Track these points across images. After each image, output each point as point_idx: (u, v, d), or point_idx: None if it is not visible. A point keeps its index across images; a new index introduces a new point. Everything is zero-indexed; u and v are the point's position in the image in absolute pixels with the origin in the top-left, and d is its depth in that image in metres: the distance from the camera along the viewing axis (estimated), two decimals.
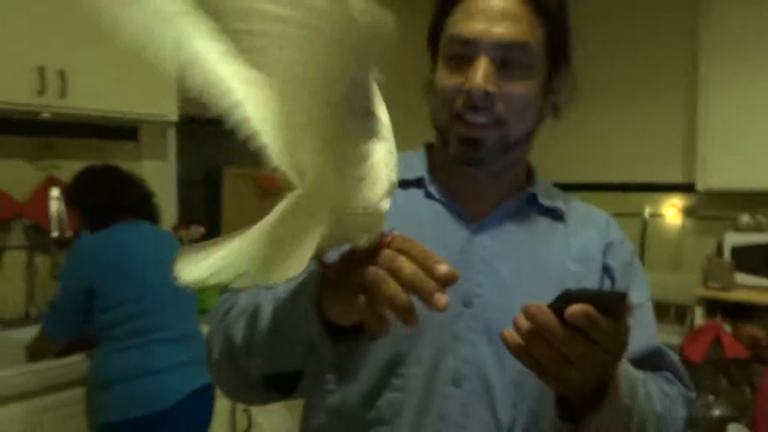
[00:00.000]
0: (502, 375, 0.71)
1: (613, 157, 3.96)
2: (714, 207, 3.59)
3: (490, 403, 0.72)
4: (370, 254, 0.50)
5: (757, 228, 3.18)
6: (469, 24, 0.72)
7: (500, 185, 0.81)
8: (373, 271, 0.48)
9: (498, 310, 0.73)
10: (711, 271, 3.17)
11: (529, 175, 0.86)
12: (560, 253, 0.79)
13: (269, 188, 3.02)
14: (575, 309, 0.50)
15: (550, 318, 0.51)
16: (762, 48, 3.15)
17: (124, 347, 1.70)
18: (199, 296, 1.99)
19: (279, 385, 0.68)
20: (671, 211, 3.78)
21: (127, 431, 1.66)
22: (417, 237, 0.72)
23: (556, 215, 0.82)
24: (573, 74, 0.81)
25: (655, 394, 0.71)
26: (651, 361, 0.76)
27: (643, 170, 3.87)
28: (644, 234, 3.82)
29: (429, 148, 0.87)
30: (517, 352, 0.55)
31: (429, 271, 0.47)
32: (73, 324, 1.73)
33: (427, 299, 0.46)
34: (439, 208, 0.80)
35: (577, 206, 0.86)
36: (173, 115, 2.34)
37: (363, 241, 0.50)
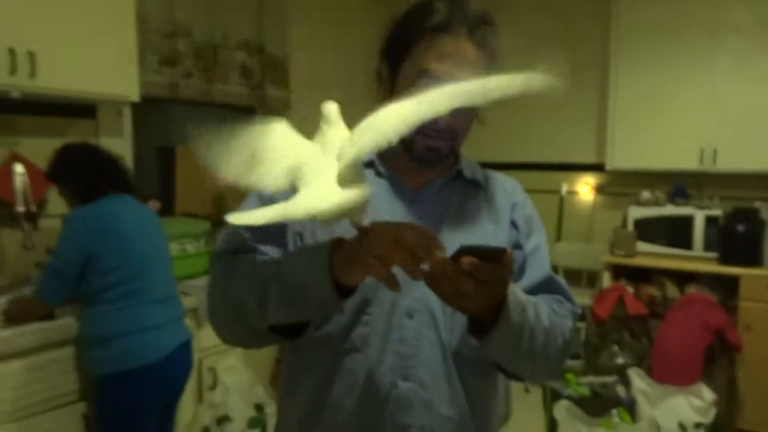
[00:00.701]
0: (443, 307, 0.96)
1: (534, 140, 4.36)
2: (620, 185, 4.05)
3: (435, 327, 0.97)
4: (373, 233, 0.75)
5: (656, 203, 3.64)
6: (440, 64, 0.91)
7: (437, 168, 1.05)
8: (388, 244, 0.73)
9: None
10: (617, 240, 3.61)
11: (456, 156, 1.10)
12: (481, 215, 1.04)
13: None
14: (464, 259, 0.73)
15: (449, 265, 0.74)
16: (666, 42, 3.58)
17: (119, 307, 1.87)
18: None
19: (283, 331, 0.90)
20: (585, 188, 4.22)
21: (124, 380, 1.85)
22: (374, 204, 0.97)
23: (477, 185, 1.06)
24: None
25: (544, 312, 0.93)
26: (545, 286, 1.03)
27: (561, 151, 4.29)
28: (561, 209, 4.25)
29: None
30: (431, 287, 0.76)
31: (428, 238, 0.73)
32: (69, 289, 1.88)
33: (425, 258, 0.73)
34: (387, 183, 1.01)
35: (492, 176, 1.12)
36: (133, 95, 2.46)
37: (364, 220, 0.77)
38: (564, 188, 4.24)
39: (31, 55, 2.06)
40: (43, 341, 1.91)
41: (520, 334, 0.87)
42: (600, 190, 4.18)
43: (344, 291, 0.81)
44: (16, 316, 1.91)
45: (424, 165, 1.00)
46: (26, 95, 2.14)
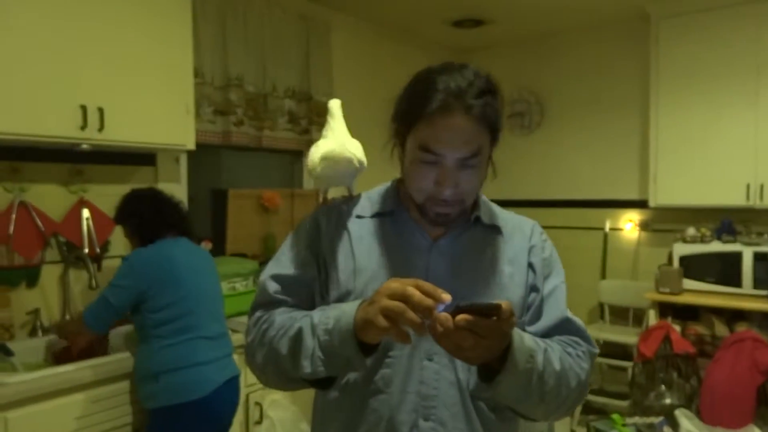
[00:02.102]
0: None
1: (577, 177, 4.38)
2: (665, 221, 4.01)
3: (454, 369, 1.01)
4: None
5: (702, 239, 3.59)
6: (440, 144, 0.96)
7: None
8: (395, 305, 0.81)
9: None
10: (662, 277, 3.56)
11: (475, 201, 1.16)
12: (498, 257, 1.10)
13: (271, 206, 3.34)
14: (459, 318, 0.78)
15: (449, 323, 0.80)
16: (706, 80, 3.59)
17: (171, 343, 2.01)
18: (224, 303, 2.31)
19: (316, 382, 0.99)
20: (629, 225, 4.19)
21: (175, 414, 1.97)
22: (394, 252, 1.07)
23: (495, 229, 1.11)
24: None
25: (556, 355, 0.97)
26: (561, 328, 1.07)
27: (604, 188, 4.29)
28: (605, 246, 4.23)
29: (399, 180, 1.14)
30: (437, 341, 0.82)
31: (431, 296, 0.81)
32: (110, 320, 2.04)
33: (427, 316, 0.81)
34: (407, 232, 1.08)
35: (511, 219, 1.17)
36: (190, 144, 2.64)
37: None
38: (608, 225, 4.23)
39: (101, 111, 2.26)
40: (101, 375, 2.05)
41: (528, 379, 0.92)
42: (644, 226, 4.15)
43: (368, 348, 0.91)
44: (64, 331, 2.09)
45: (437, 225, 1.07)
46: (95, 147, 2.34)
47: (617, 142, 4.22)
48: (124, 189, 2.32)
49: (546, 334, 1.06)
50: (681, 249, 3.61)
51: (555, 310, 1.09)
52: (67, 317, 2.47)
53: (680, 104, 3.69)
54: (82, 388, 2.01)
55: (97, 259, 2.56)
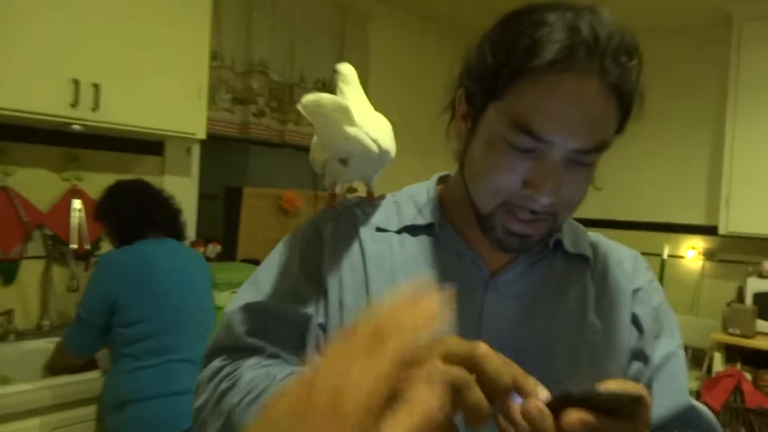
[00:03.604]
0: None
1: (636, 196, 3.93)
2: (735, 251, 3.53)
3: None
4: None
5: None
6: (550, 122, 0.60)
7: None
8: (456, 373, 0.43)
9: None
10: (731, 316, 3.11)
11: None
12: (587, 306, 0.72)
13: (290, 208, 3.01)
14: (572, 417, 0.44)
15: (549, 424, 0.43)
16: None
17: (141, 366, 1.66)
18: (218, 318, 1.95)
19: None
20: (691, 252, 3.73)
21: None
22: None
23: (582, 260, 0.75)
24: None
25: None
26: (682, 420, 0.71)
27: (665, 210, 3.83)
28: (662, 274, 3.76)
29: (441, 180, 0.81)
30: None
31: (516, 379, 0.44)
32: (93, 338, 1.70)
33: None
34: (453, 257, 0.73)
35: (604, 248, 0.79)
36: (201, 133, 2.33)
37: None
38: (666, 251, 3.77)
39: (96, 88, 1.97)
40: (63, 398, 1.71)
41: None
42: (710, 255, 3.67)
43: None
44: (50, 367, 1.75)
45: (504, 251, 0.70)
46: (88, 128, 2.04)
47: (684, 159, 3.76)
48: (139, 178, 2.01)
49: (660, 428, 0.69)
50: (756, 285, 3.14)
51: (673, 392, 0.71)
52: (46, 324, 2.16)
53: (761, 119, 3.23)
54: (41, 412, 1.67)
55: (85, 256, 2.26)
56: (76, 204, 2.25)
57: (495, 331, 0.69)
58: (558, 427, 0.44)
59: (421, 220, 0.75)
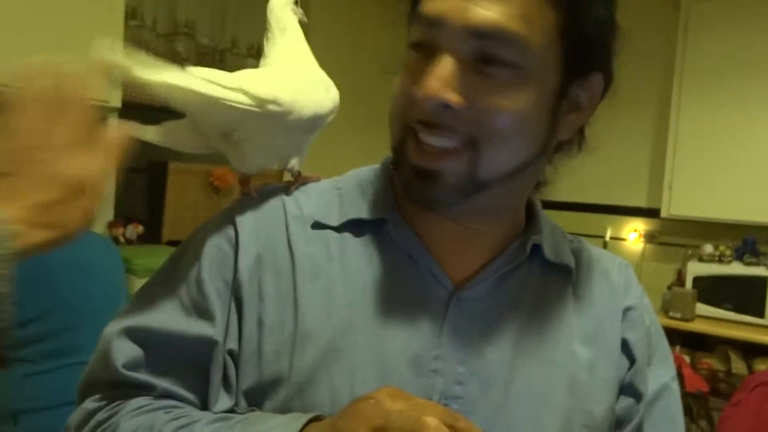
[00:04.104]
0: None
1: (577, 178, 3.88)
2: (676, 234, 3.55)
3: None
4: None
5: (721, 259, 3.15)
6: (437, 2, 0.50)
7: (494, 232, 0.60)
8: None
9: (487, 417, 0.53)
10: (672, 300, 3.12)
11: (529, 212, 0.65)
12: (567, 330, 0.59)
13: (221, 185, 2.78)
14: None
15: None
16: (737, 76, 3.12)
17: (36, 371, 1.43)
18: None
19: None
20: (632, 235, 3.73)
21: None
22: (377, 306, 0.53)
23: (563, 273, 0.62)
24: (611, 78, 0.61)
25: None
26: None
27: (607, 192, 3.82)
28: None
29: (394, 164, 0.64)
30: None
31: None
32: None
33: None
34: (407, 266, 0.58)
35: (588, 256, 0.66)
36: (115, 101, 2.08)
37: None
38: (609, 233, 3.76)
39: None
40: None
41: None
42: (650, 238, 3.68)
43: None
44: None
45: (423, 207, 0.56)
46: None
47: (627, 142, 3.73)
48: None
49: None
50: (696, 268, 3.16)
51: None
52: None
53: (706, 103, 3.22)
54: None
55: None
56: None
57: (456, 362, 0.54)
58: None
59: (367, 214, 0.59)
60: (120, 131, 0.48)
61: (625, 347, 0.60)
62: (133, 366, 0.55)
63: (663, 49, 3.48)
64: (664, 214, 3.35)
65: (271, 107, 0.54)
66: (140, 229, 2.47)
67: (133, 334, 0.56)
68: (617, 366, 0.59)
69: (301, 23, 0.69)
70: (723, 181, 3.15)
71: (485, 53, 0.50)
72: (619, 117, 3.73)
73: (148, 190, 2.73)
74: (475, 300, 0.57)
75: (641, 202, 3.68)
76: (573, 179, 3.26)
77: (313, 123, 0.59)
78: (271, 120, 0.55)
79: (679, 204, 3.29)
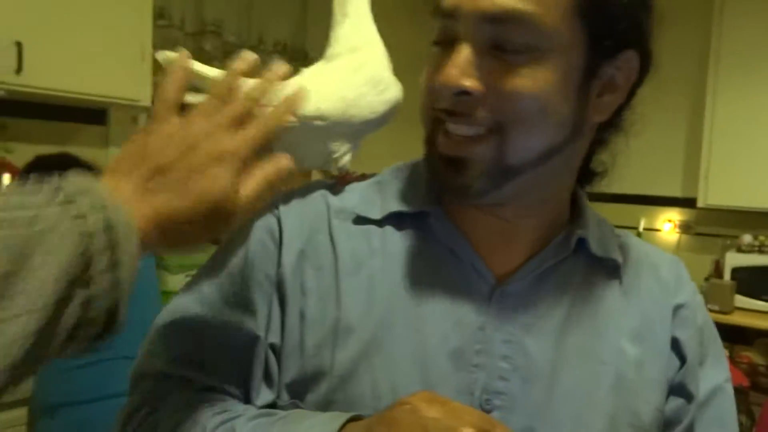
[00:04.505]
0: None
1: (610, 167, 3.83)
2: (714, 224, 3.46)
3: None
4: None
5: (761, 249, 3.06)
6: None
7: (534, 224, 0.58)
8: None
9: (529, 414, 0.53)
10: (709, 292, 3.03)
11: (575, 206, 0.63)
12: (614, 326, 0.58)
13: None
14: None
15: None
16: None
17: (76, 365, 1.47)
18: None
19: None
20: (667, 225, 3.65)
21: None
22: (419, 300, 0.53)
23: (610, 269, 0.60)
24: (649, 56, 0.58)
25: None
26: None
27: (641, 182, 3.73)
28: None
29: None
30: None
31: None
32: None
33: None
34: (449, 260, 0.57)
35: (636, 251, 0.64)
36: (146, 100, 2.12)
37: None
38: (642, 224, 3.69)
39: (19, 47, 1.74)
40: None
41: None
42: (686, 228, 3.60)
43: None
44: None
45: (455, 197, 0.56)
46: (12, 94, 1.81)
47: (661, 130, 3.63)
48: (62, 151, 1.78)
49: None
50: (734, 259, 3.07)
51: None
52: None
53: (743, 89, 3.12)
54: None
55: None
56: (5, 179, 2.01)
57: (498, 357, 0.54)
58: None
59: (408, 207, 0.58)
60: (279, 163, 0.47)
61: (676, 346, 0.59)
62: (178, 359, 0.56)
63: (698, 36, 3.38)
64: (700, 203, 3.27)
65: (317, 123, 0.54)
66: None
67: (180, 327, 0.57)
68: (667, 365, 0.57)
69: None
70: (762, 168, 3.05)
71: (501, 38, 0.50)
72: (653, 105, 3.61)
73: None
74: (517, 295, 0.56)
75: (676, 192, 3.59)
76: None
77: (365, 129, 0.59)
78: (316, 131, 0.55)
79: (716, 193, 3.20)
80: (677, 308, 0.59)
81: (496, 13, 0.49)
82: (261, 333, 0.55)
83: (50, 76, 1.82)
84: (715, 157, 3.20)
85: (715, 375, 0.59)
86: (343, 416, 0.46)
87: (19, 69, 1.74)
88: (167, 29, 2.38)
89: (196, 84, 0.53)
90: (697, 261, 3.50)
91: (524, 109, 0.50)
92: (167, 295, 1.78)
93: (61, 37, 1.84)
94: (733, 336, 3.02)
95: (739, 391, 2.69)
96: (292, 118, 0.50)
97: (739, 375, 2.75)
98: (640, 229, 3.69)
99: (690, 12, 3.47)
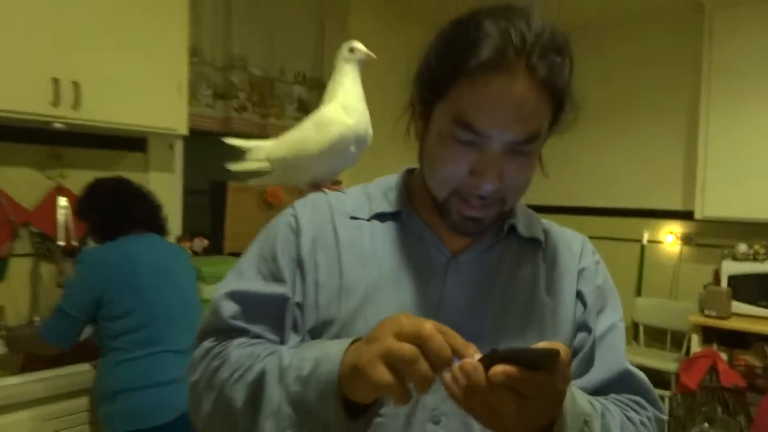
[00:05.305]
0: None
1: (613, 183, 3.99)
2: (712, 235, 3.61)
3: None
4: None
5: (755, 257, 3.21)
6: (486, 117, 0.66)
7: None
8: (405, 350, 0.55)
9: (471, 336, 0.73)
10: (708, 299, 3.18)
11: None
12: (536, 283, 0.79)
13: (274, 201, 3.05)
14: (496, 369, 0.53)
15: (481, 377, 0.53)
16: (764, 78, 3.19)
17: (130, 357, 1.71)
18: (203, 309, 2.00)
19: None
20: (669, 237, 3.81)
21: None
22: (397, 269, 0.74)
23: (534, 245, 0.82)
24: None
25: (616, 422, 0.72)
26: (619, 383, 0.78)
27: (643, 196, 3.90)
28: (642, 260, 3.85)
29: (409, 172, 0.88)
30: (458, 402, 0.56)
31: (456, 348, 0.56)
32: (73, 332, 1.75)
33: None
34: (417, 243, 0.80)
35: (554, 231, 0.86)
36: (183, 129, 2.37)
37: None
38: (645, 237, 3.85)
39: (76, 86, 2.00)
40: (54, 390, 1.77)
41: None
42: (687, 240, 3.75)
43: (355, 408, 0.62)
44: (19, 347, 1.81)
45: (461, 233, 0.77)
46: (70, 126, 2.07)
47: (660, 146, 3.83)
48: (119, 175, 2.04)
49: (599, 390, 0.77)
50: (730, 267, 3.23)
51: (612, 359, 0.79)
52: (36, 320, 2.20)
53: (735, 105, 3.30)
54: (31, 404, 1.72)
55: (72, 253, 2.29)
56: (62, 202, 2.28)
57: (455, 306, 0.76)
58: (492, 382, 0.53)
59: (389, 208, 0.82)
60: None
61: (580, 296, 0.80)
62: (234, 317, 0.78)
63: (690, 54, 3.57)
64: (698, 215, 3.43)
65: (284, 163, 0.94)
66: (205, 242, 2.76)
67: (233, 296, 0.79)
68: (573, 309, 0.80)
69: (363, 61, 1.08)
70: (754, 181, 3.22)
71: (519, 146, 0.69)
72: (651, 122, 3.84)
73: (211, 207, 3.03)
74: (467, 263, 0.79)
75: (677, 205, 3.75)
76: (608, 185, 3.51)
77: (322, 158, 0.90)
78: (291, 167, 0.87)
79: (712, 205, 3.37)
80: (581, 270, 0.82)
81: (523, 137, 0.68)
82: (290, 295, 0.78)
83: (101, 109, 2.07)
84: (710, 172, 3.37)
85: (611, 317, 0.81)
86: (350, 339, 0.68)
87: (76, 105, 2.00)
88: (199, 65, 2.64)
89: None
90: (699, 271, 3.65)
91: (523, 188, 0.74)
92: (205, 303, 2.01)
93: (110, 76, 2.09)
94: (730, 340, 3.16)
95: (736, 392, 2.83)
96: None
97: (736, 376, 2.89)
98: (644, 241, 3.85)
99: (681, 34, 3.68)
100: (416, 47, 0.75)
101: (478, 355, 0.54)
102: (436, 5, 3.67)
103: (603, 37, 3.97)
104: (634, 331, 3.80)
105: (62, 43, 1.97)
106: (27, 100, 1.90)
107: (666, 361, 3.37)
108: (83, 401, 1.84)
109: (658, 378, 3.47)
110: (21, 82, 1.88)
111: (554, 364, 0.54)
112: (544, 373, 0.54)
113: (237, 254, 2.91)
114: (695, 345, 3.21)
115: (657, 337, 3.76)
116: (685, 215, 3.65)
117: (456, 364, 0.54)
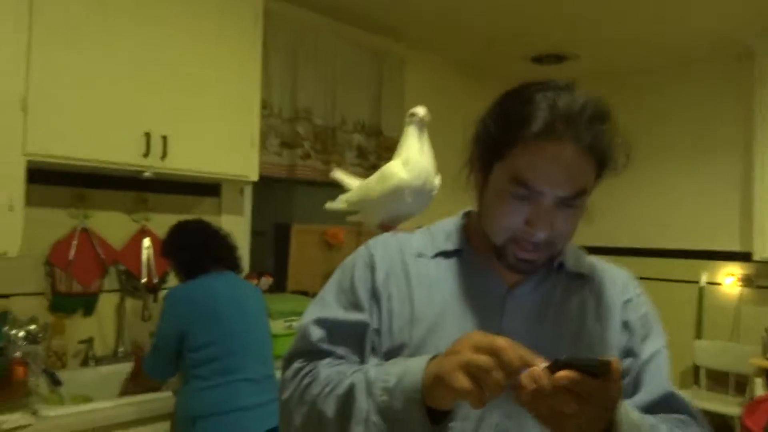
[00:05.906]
0: (540, 428, 0.77)
1: (669, 225, 3.99)
2: None
3: None
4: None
5: None
6: (540, 178, 0.78)
7: None
8: (482, 360, 0.65)
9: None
10: None
11: None
12: (585, 313, 0.90)
13: (334, 242, 3.22)
14: (560, 374, 0.62)
15: (546, 381, 0.63)
16: None
17: (210, 385, 1.87)
18: (273, 343, 2.15)
19: None
20: (729, 279, 3.76)
21: None
22: (460, 300, 0.89)
23: (581, 279, 0.93)
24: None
25: None
26: (665, 405, 0.86)
27: (700, 238, 3.88)
28: (701, 301, 3.80)
29: (467, 215, 0.99)
30: (526, 405, 0.65)
31: (524, 358, 0.65)
32: (168, 364, 1.93)
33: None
34: (477, 275, 0.91)
35: (600, 267, 0.96)
36: (253, 176, 2.58)
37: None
38: (704, 278, 3.81)
39: (164, 139, 2.23)
40: (141, 414, 1.94)
41: None
42: (747, 282, 3.69)
43: (435, 415, 0.73)
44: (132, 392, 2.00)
45: (518, 273, 0.89)
46: (157, 175, 2.30)
47: (715, 188, 3.82)
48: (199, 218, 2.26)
49: (646, 411, 0.84)
50: None
51: (657, 382, 0.87)
52: (121, 350, 2.40)
53: None
54: (121, 426, 1.90)
55: (153, 289, 2.51)
56: (146, 242, 2.50)
57: (512, 333, 0.86)
58: (555, 385, 0.63)
59: (450, 247, 0.95)
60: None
61: (625, 325, 0.90)
62: (321, 341, 0.91)
63: (743, 98, 3.60)
64: (756, 257, 3.39)
65: (353, 207, 1.12)
66: (270, 280, 2.93)
67: (319, 323, 0.93)
68: (620, 337, 0.89)
69: (422, 122, 1.23)
70: None
71: (567, 200, 0.80)
72: (704, 166, 3.86)
73: (275, 247, 3.22)
74: (522, 295, 0.90)
75: (735, 246, 3.71)
76: (665, 227, 3.58)
77: (380, 204, 1.08)
78: (362, 211, 1.05)
79: None
80: (626, 302, 0.92)
81: (572, 194, 0.80)
82: (369, 321, 0.91)
83: (184, 159, 2.30)
84: (767, 212, 3.35)
85: (655, 343, 0.90)
86: (428, 356, 0.79)
87: (164, 156, 2.24)
88: (268, 117, 2.88)
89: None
90: (760, 313, 3.58)
91: (569, 235, 0.85)
92: (274, 338, 2.17)
93: (193, 130, 2.33)
94: None
95: None
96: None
97: None
98: (702, 283, 3.81)
99: (733, 78, 3.71)
100: (464, 95, 0.88)
101: (544, 364, 0.65)
102: (480, 58, 3.85)
103: (658, 81, 4.05)
104: (694, 374, 3.73)
105: (154, 101, 2.22)
106: (123, 152, 2.14)
107: (729, 405, 3.30)
108: (165, 425, 2.01)
109: (722, 423, 3.39)
110: (118, 137, 2.13)
111: (609, 372, 0.63)
112: (602, 381, 0.63)
113: (299, 292, 3.08)
114: (759, 389, 3.14)
115: (719, 380, 3.67)
116: (743, 256, 3.61)
117: (524, 372, 0.65)
